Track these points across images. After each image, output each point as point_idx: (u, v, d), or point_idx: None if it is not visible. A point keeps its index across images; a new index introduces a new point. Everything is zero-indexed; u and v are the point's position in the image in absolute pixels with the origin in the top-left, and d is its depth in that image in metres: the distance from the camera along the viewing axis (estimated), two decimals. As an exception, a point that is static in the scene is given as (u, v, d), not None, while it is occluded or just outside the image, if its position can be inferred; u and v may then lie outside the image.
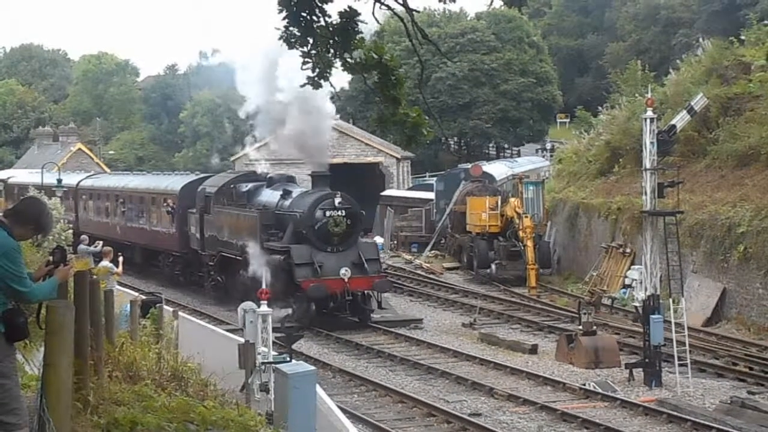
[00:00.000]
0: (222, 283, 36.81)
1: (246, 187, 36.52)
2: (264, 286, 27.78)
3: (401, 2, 9.91)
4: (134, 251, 46.90)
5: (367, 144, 62.43)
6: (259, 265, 30.74)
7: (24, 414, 8.42)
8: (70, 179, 60.29)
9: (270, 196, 34.85)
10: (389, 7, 9.98)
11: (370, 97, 10.73)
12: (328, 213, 31.05)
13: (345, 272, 29.91)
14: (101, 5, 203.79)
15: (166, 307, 24.34)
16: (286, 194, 33.80)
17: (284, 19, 10.36)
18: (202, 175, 43.79)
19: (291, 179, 35.96)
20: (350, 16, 10.43)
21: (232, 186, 37.15)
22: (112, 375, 12.23)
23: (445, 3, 10.30)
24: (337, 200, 31.46)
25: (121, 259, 33.37)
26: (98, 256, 31.65)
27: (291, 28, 10.40)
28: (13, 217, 8.74)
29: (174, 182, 44.28)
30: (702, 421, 21.72)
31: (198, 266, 39.22)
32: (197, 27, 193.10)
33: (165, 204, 42.30)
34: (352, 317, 31.38)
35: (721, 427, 21.22)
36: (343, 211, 31.30)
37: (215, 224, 36.62)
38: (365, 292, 31.10)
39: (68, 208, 54.10)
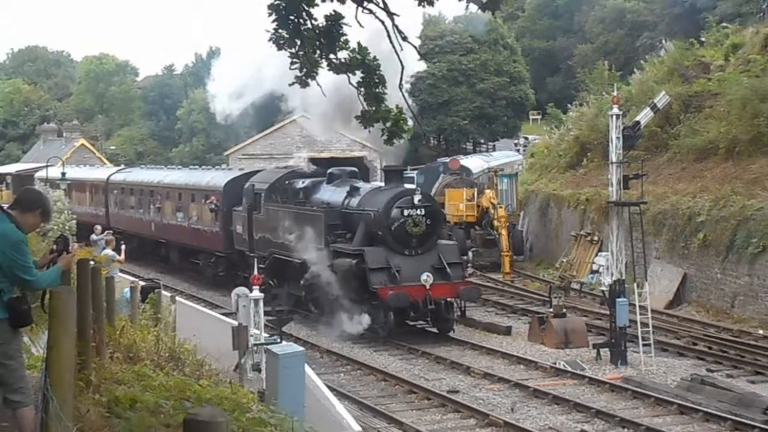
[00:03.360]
0: (274, 286, 32.40)
1: (303, 183, 33.02)
2: (332, 293, 27.66)
3: (382, 7, 9.91)
4: (170, 249, 44.75)
5: (353, 140, 62.15)
6: (325, 270, 28.18)
7: (29, 392, 8.42)
8: (101, 173, 58.40)
9: (333, 193, 31.27)
10: (371, 11, 9.98)
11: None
12: (406, 212, 27.54)
13: (426, 278, 26.61)
14: (103, 8, 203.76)
15: (164, 292, 24.32)
16: (353, 191, 30.13)
17: (273, 21, 10.35)
18: (249, 171, 40.26)
19: (353, 174, 32.13)
20: (335, 19, 10.42)
21: (286, 182, 33.71)
22: (113, 356, 12.22)
23: (423, 6, 10.31)
24: (417, 198, 28.08)
25: (123, 247, 33.40)
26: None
27: (280, 31, 10.39)
28: (19, 207, 8.73)
29: (217, 178, 41.02)
30: (664, 397, 21.78)
31: (244, 268, 34.15)
32: (193, 29, 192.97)
33: (207, 201, 39.00)
34: (432, 328, 28.42)
35: (682, 402, 21.30)
36: (423, 210, 27.81)
37: (267, 224, 33.38)
38: (448, 300, 27.87)
39: (97, 203, 53.48)
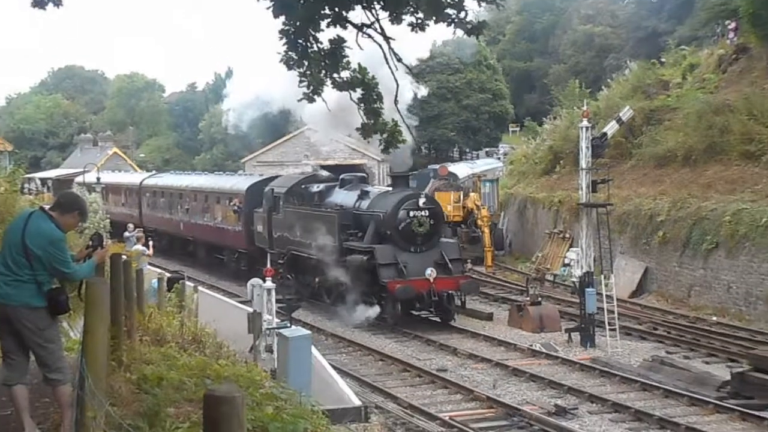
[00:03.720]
0: (291, 279, 33.11)
1: (317, 187, 32.73)
2: (345, 286, 27.78)
3: (380, 32, 9.89)
4: (197, 246, 44.44)
5: (353, 149, 62.18)
6: (338, 265, 28.34)
7: (67, 372, 8.44)
8: (134, 178, 57.87)
9: (345, 196, 31.09)
10: (370, 36, 9.96)
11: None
12: (412, 213, 27.46)
13: (431, 273, 26.66)
14: (133, 32, 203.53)
15: (187, 283, 24.29)
16: (363, 194, 30.30)
17: (284, 45, 10.33)
18: (268, 176, 39.68)
19: (363, 179, 32.42)
20: (338, 42, 10.40)
21: (302, 186, 33.46)
22: (142, 339, 12.23)
23: (416, 32, 10.29)
24: (422, 200, 28.20)
25: (150, 243, 33.42)
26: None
27: (289, 53, 10.37)
28: (59, 209, 8.80)
29: (239, 182, 40.75)
30: (628, 376, 21.86)
31: (264, 263, 35.23)
32: (214, 51, 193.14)
33: (231, 203, 38.74)
34: (435, 317, 28.13)
35: (644, 380, 21.38)
36: (427, 212, 27.88)
37: (285, 223, 33.09)
38: (450, 292, 27.56)
39: (132, 205, 52.94)
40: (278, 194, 33.60)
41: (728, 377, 20.71)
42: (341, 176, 32.85)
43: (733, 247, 29.88)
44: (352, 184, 31.26)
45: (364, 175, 32.88)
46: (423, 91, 32.34)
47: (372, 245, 27.35)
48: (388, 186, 31.91)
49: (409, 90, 31.11)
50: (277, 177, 37.60)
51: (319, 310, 31.00)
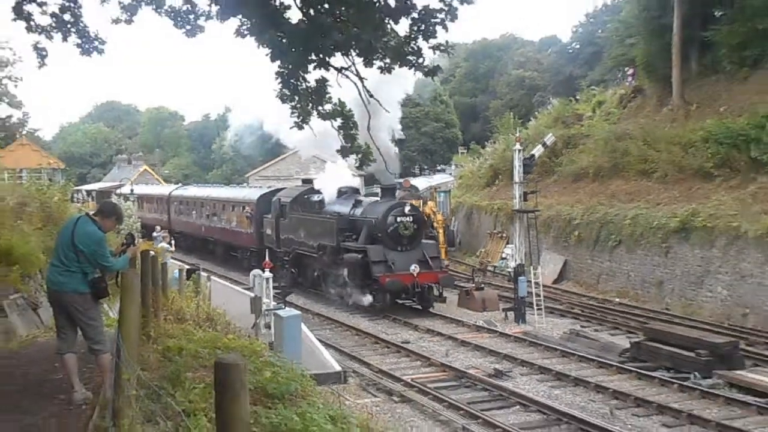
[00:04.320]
0: (295, 273, 32.52)
1: (317, 197, 31.99)
2: (343, 280, 27.41)
3: (355, 73, 9.86)
4: (215, 246, 43.29)
5: (336, 164, 61.81)
6: (336, 261, 28.00)
7: (107, 343, 8.52)
8: (164, 190, 57.21)
9: (342, 205, 30.27)
10: (347, 77, 9.93)
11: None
12: (398, 219, 26.84)
13: (414, 268, 26.01)
14: (160, 73, 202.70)
15: (202, 273, 24.16)
16: (357, 203, 29.56)
17: (279, 83, 10.30)
18: (275, 188, 38.92)
19: (356, 191, 31.64)
20: (322, 82, 10.37)
21: (305, 196, 32.66)
22: (166, 318, 12.18)
23: (384, 74, 10.27)
24: (407, 208, 27.55)
25: (173, 241, 33.36)
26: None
27: (284, 90, 10.33)
28: (101, 214, 9.03)
29: (251, 193, 39.92)
30: (551, 345, 21.92)
31: (273, 260, 34.66)
32: (224, 87, 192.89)
33: (244, 210, 37.99)
34: (417, 306, 27.34)
35: (563, 349, 21.46)
36: (411, 217, 27.26)
37: (291, 227, 32.39)
38: (430, 284, 26.94)
39: (162, 211, 52.12)
40: (285, 203, 33.06)
41: (628, 346, 20.87)
42: (338, 188, 32.17)
43: (632, 244, 30.13)
44: (347, 195, 30.79)
45: (357, 187, 32.26)
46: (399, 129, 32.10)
47: (365, 245, 26.87)
48: (367, 195, 31.35)
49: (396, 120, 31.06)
50: (283, 189, 36.98)
51: (308, 295, 30.83)
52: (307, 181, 36.66)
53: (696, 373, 18.22)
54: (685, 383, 17.70)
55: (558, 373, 18.99)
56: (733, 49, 35.55)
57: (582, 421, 15.18)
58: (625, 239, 30.48)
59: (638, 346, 20.40)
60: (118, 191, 60.93)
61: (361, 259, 26.48)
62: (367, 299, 26.41)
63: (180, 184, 60.09)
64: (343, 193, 30.97)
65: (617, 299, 29.00)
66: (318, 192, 32.43)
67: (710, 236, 26.82)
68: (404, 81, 28.61)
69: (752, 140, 28.60)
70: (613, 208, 32.26)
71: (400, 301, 27.04)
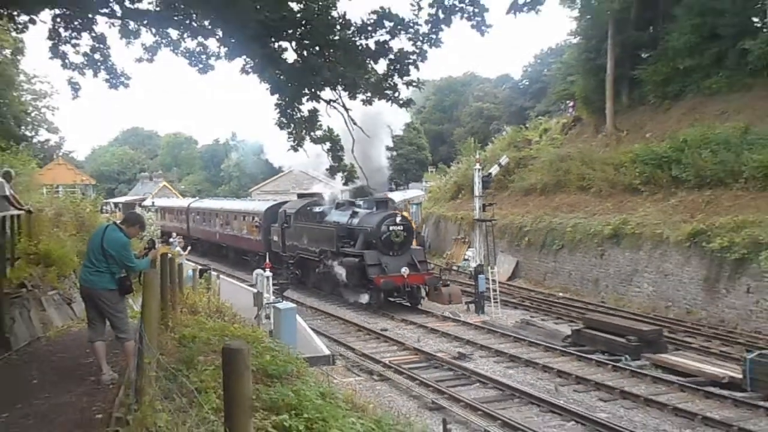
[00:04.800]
0: (298, 275, 31.80)
1: (319, 208, 31.39)
2: (342, 281, 26.87)
3: (342, 105, 9.88)
4: (228, 250, 42.41)
5: (325, 183, 61.66)
6: (337, 264, 27.32)
7: (131, 332, 8.48)
8: (184, 202, 55.97)
9: (340, 215, 29.63)
10: (335, 107, 9.95)
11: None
12: (391, 227, 26.29)
13: (405, 270, 25.34)
14: (177, 102, 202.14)
15: (213, 272, 24.03)
16: (354, 214, 28.85)
17: (277, 113, 10.30)
18: (280, 201, 37.95)
19: (353, 203, 30.53)
20: (314, 112, 10.39)
21: (308, 208, 31.90)
22: (182, 310, 12.12)
23: (366, 105, 10.30)
24: (398, 218, 26.90)
25: (188, 248, 33.16)
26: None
27: (281, 118, 10.34)
28: (126, 223, 9.05)
29: (259, 206, 38.92)
30: (505, 332, 21.96)
31: (278, 263, 32.65)
32: (231, 115, 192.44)
33: (253, 220, 37.18)
34: (407, 303, 26.47)
35: (516, 335, 21.50)
36: (402, 227, 26.64)
37: (295, 235, 31.66)
38: (418, 285, 26.23)
39: (181, 220, 51.18)
40: (290, 214, 32.49)
41: (570, 333, 20.95)
42: (336, 201, 31.93)
43: (573, 248, 30.27)
44: (345, 207, 30.23)
45: (354, 200, 31.31)
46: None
47: (362, 251, 26.40)
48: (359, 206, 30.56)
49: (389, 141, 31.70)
50: (287, 201, 36.35)
51: (303, 291, 30.56)
52: (302, 195, 36.49)
53: (627, 356, 18.33)
54: (617, 364, 17.80)
55: (511, 355, 19.04)
56: (657, 85, 35.93)
57: (531, 396, 15.24)
58: (567, 243, 30.63)
59: (578, 333, 20.50)
60: (142, 204, 60.51)
61: (358, 263, 26.01)
62: (364, 298, 25.99)
63: (196, 198, 59.56)
64: (341, 205, 30.54)
65: (560, 294, 29.07)
66: (318, 204, 31.96)
67: (638, 241, 27.01)
68: (402, 112, 28.48)
69: (673, 161, 28.86)
70: (557, 217, 32.41)
71: (392, 299, 26.55)
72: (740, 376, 15.61)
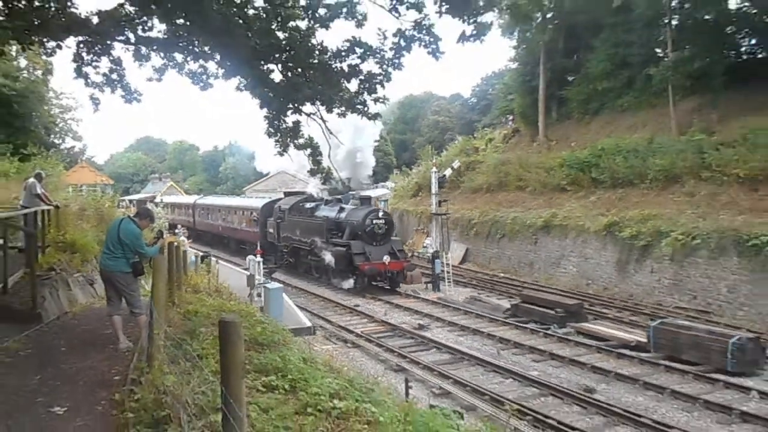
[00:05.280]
0: (292, 262, 30.79)
1: (310, 204, 30.32)
2: (331, 267, 26.01)
3: (320, 117, 9.84)
4: (229, 241, 40.85)
5: (303, 181, 61.22)
6: (326, 253, 26.42)
7: (143, 308, 8.38)
8: (190, 199, 54.41)
9: (329, 210, 28.67)
10: (314, 119, 9.92)
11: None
12: (374, 221, 25.54)
13: (386, 258, 24.74)
14: (183, 113, 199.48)
15: (212, 258, 23.82)
16: (341, 210, 27.95)
17: (267, 124, 10.23)
18: (275, 198, 36.84)
19: (339, 200, 29.51)
20: (297, 123, 10.33)
21: (300, 204, 30.82)
22: (186, 290, 11.98)
23: (342, 117, 10.28)
24: (380, 213, 26.32)
25: (190, 239, 32.92)
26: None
27: (270, 128, 10.27)
28: (139, 216, 8.97)
29: (257, 202, 37.81)
30: (457, 306, 22.09)
31: (273, 251, 32.33)
32: (231, 123, 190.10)
33: (251, 215, 36.10)
34: (388, 287, 25.65)
35: (466, 309, 21.65)
36: (383, 220, 25.91)
37: (289, 227, 30.74)
38: (397, 271, 25.36)
39: (188, 215, 49.80)
40: (284, 209, 31.76)
41: (509, 306, 21.10)
42: (324, 198, 31.20)
43: (512, 236, 30.45)
44: (333, 203, 29.51)
45: (340, 197, 30.49)
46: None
47: (349, 241, 25.77)
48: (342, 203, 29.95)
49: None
50: (281, 198, 35.18)
51: (289, 274, 30.15)
52: (288, 194, 36.05)
53: (555, 325, 18.55)
54: (547, 332, 18.01)
55: (462, 326, 19.15)
56: (580, 103, 36.33)
57: (478, 359, 15.36)
58: (507, 233, 30.82)
59: (516, 306, 20.67)
60: (154, 200, 59.69)
61: (345, 251, 25.45)
62: (350, 282, 25.40)
63: (201, 195, 58.61)
64: (329, 202, 29.92)
65: (502, 274, 29.26)
66: (310, 201, 31.15)
67: (564, 231, 27.29)
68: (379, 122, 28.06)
69: (593, 166, 29.18)
70: (499, 212, 32.55)
71: (375, 283, 25.93)
72: (645, 340, 15.89)
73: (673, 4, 30.28)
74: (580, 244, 26.24)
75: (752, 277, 19.14)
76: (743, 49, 29.94)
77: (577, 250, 26.35)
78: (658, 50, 32.09)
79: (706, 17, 28.79)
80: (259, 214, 34.77)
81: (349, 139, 30.05)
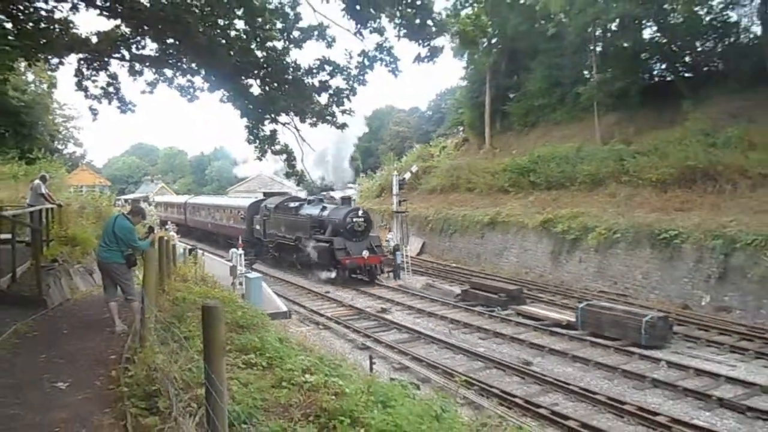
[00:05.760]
0: (277, 256, 29.27)
1: (294, 204, 28.94)
2: (314, 261, 24.70)
3: (294, 126, 9.76)
4: (218, 236, 38.64)
5: (280, 183, 60.87)
6: (310, 248, 25.21)
7: (137, 295, 8.22)
8: (182, 198, 52.08)
9: (312, 209, 27.39)
10: (289, 128, 9.84)
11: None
12: (354, 219, 24.45)
13: (365, 253, 23.74)
14: (173, 121, 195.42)
15: (199, 251, 23.41)
16: (323, 208, 26.72)
17: (247, 132, 10.11)
18: (261, 198, 34.59)
19: (321, 200, 28.04)
20: (273, 131, 10.23)
21: (285, 204, 29.33)
22: (175, 279, 11.75)
23: (313, 127, 10.20)
24: (360, 212, 25.18)
25: (178, 234, 32.20)
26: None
27: (250, 136, 10.15)
28: (132, 213, 8.78)
29: (244, 202, 35.96)
30: (415, 292, 22.14)
31: (259, 247, 30.94)
32: (214, 132, 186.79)
33: (239, 213, 34.36)
34: (366, 279, 24.49)
35: (422, 294, 21.70)
36: (363, 218, 24.79)
37: (274, 224, 29.32)
38: (375, 264, 24.29)
39: (180, 213, 47.72)
40: (270, 208, 30.28)
41: (459, 292, 21.17)
42: (307, 198, 29.87)
43: (462, 232, 30.59)
44: (315, 202, 28.21)
45: (322, 198, 29.30)
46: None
47: (331, 237, 24.77)
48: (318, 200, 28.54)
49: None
50: (267, 198, 33.35)
51: (268, 266, 29.46)
52: (267, 194, 35.43)
53: (498, 308, 18.67)
54: (492, 313, 18.14)
55: (419, 309, 19.17)
56: (520, 116, 36.77)
57: (432, 338, 15.40)
58: (458, 229, 30.94)
59: (466, 292, 20.72)
60: (147, 199, 58.28)
61: (328, 247, 24.49)
62: (332, 274, 24.39)
63: (192, 195, 57.03)
64: (312, 201, 28.70)
65: (454, 264, 29.32)
66: (293, 200, 29.86)
67: (507, 227, 27.55)
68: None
69: (531, 171, 29.53)
70: (452, 210, 32.60)
71: (354, 276, 24.83)
72: (574, 319, 16.12)
73: (597, 33, 30.91)
74: (520, 238, 26.53)
75: (662, 265, 19.63)
76: (655, 72, 30.66)
77: (517, 243, 26.64)
78: (585, 72, 32.67)
79: (625, 45, 29.48)
80: (246, 213, 33.61)
81: (335, 145, 29.39)
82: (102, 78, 10.33)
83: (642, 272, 20.25)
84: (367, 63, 9.09)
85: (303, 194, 32.71)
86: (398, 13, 8.12)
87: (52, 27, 9.04)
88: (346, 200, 27.18)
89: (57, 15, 9.22)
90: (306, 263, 26.41)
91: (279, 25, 9.09)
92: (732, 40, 26.71)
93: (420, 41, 8.34)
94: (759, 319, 16.15)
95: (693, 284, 18.46)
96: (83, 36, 9.30)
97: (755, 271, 16.74)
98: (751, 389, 11.21)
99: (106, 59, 10.03)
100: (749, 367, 12.75)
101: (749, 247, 17.21)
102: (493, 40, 37.38)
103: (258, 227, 31.77)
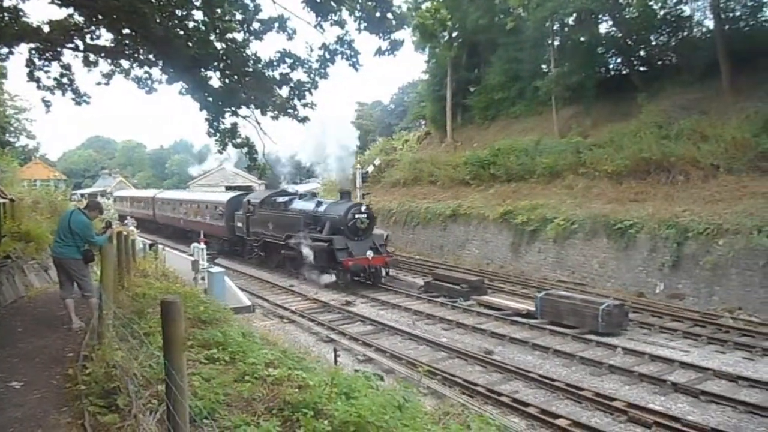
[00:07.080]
0: (263, 256, 26.85)
1: (283, 198, 26.34)
2: (310, 263, 22.61)
3: (254, 119, 9.64)
4: (192, 234, 32.75)
5: (244, 177, 59.92)
6: (305, 248, 22.59)
7: (94, 291, 8.05)
8: (150, 193, 48.49)
9: (305, 204, 25.05)
10: (249, 122, 9.71)
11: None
12: (357, 215, 21.92)
13: (369, 254, 21.24)
14: (130, 113, 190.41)
15: (160, 246, 22.96)
16: (318, 204, 24.37)
17: (207, 124, 9.94)
18: (241, 193, 31.94)
19: (314, 194, 25.45)
20: (234, 124, 10.08)
21: (272, 198, 26.73)
22: (135, 274, 11.53)
23: (277, 120, 10.10)
24: (363, 208, 22.58)
25: (138, 228, 31.34)
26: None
27: (210, 129, 9.98)
28: (88, 208, 8.56)
29: (222, 196, 32.98)
30: (379, 285, 22.08)
31: (241, 246, 28.58)
32: (173, 125, 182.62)
33: (216, 209, 31.15)
34: (370, 281, 22.29)
35: (386, 287, 21.73)
36: (365, 215, 22.29)
37: (259, 221, 26.63)
38: (379, 266, 21.89)
39: (148, 208, 44.42)
40: (254, 203, 27.50)
41: (423, 283, 21.27)
42: (298, 192, 27.42)
43: (425, 224, 30.77)
44: (308, 197, 26.12)
45: (315, 191, 27.11)
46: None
47: (331, 236, 22.19)
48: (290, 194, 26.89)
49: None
50: (250, 192, 30.92)
51: (232, 261, 28.62)
52: (229, 188, 34.64)
53: (461, 298, 18.84)
54: (455, 304, 18.30)
55: (383, 301, 19.23)
56: (480, 110, 37.10)
57: (396, 329, 15.46)
58: (421, 221, 31.10)
59: (428, 283, 20.84)
60: (106, 193, 56.48)
61: (326, 247, 22.13)
62: (331, 278, 22.14)
63: (161, 190, 54.14)
64: (303, 196, 26.71)
65: (417, 256, 29.46)
66: (282, 194, 27.42)
67: (468, 219, 27.82)
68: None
69: (491, 163, 29.85)
70: (415, 203, 32.78)
71: (356, 279, 22.67)
72: (534, 308, 16.41)
73: (555, 27, 31.39)
74: (481, 230, 26.83)
75: (617, 254, 20.16)
76: (611, 66, 31.32)
77: (478, 235, 26.94)
78: (543, 66, 33.15)
79: (581, 39, 30.01)
80: (225, 208, 30.65)
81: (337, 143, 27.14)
82: (55, 68, 10.00)
83: (599, 261, 20.74)
84: (327, 56, 9.01)
85: (263, 188, 31.50)
86: (358, 6, 8.09)
87: (0, 15, 8.69)
88: (346, 194, 24.74)
89: (6, 2, 8.88)
90: (298, 264, 24.00)
91: (238, 17, 8.93)
92: (685, 34, 27.42)
93: (380, 34, 8.32)
94: (711, 305, 16.73)
95: (647, 272, 19.01)
96: (34, 25, 8.98)
97: (707, 259, 17.34)
98: (704, 374, 11.62)
99: (58, 49, 9.70)
100: (702, 353, 13.20)
101: (701, 236, 17.82)
102: (454, 34, 37.61)
103: (240, 224, 28.94)
